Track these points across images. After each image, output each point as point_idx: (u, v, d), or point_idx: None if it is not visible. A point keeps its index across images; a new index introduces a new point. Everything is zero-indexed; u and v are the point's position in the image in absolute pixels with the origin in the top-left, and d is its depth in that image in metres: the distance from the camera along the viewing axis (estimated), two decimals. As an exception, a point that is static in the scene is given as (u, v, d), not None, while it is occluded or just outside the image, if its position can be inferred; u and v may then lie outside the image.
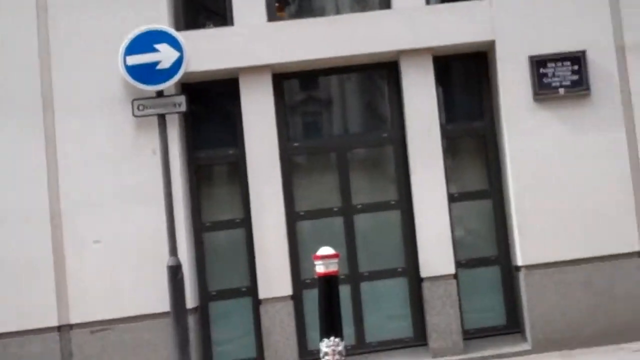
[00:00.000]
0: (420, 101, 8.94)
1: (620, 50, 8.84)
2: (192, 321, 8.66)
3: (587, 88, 8.70)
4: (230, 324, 9.15)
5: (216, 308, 9.19)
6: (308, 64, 9.10)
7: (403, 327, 9.10)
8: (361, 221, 9.17)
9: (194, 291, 8.93)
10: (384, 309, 9.14)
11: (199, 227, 9.22)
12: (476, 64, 9.27)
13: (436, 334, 8.77)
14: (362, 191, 9.23)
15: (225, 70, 9.03)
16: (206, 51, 8.92)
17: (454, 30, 8.87)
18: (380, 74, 9.46)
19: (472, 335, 9.01)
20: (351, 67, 9.34)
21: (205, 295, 9.21)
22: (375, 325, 9.11)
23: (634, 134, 8.77)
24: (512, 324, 9.06)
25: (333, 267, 7.40)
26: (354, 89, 9.64)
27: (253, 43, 8.95)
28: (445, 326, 8.73)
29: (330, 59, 8.97)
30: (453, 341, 8.73)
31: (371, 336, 9.14)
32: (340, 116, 9.65)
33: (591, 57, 8.78)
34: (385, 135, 9.34)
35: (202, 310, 9.16)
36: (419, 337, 9.08)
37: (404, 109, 9.07)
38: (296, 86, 9.62)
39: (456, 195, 9.15)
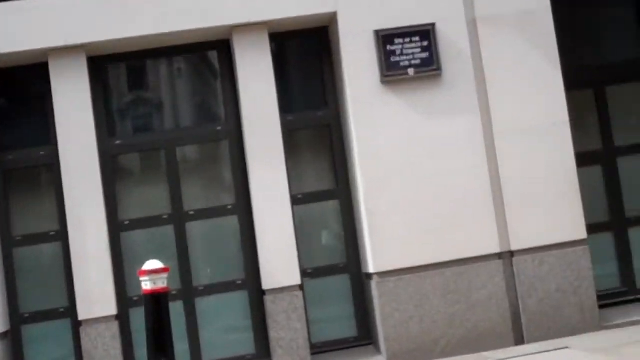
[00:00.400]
0: (257, 87, 8.55)
1: (472, 24, 8.66)
2: (1, 347, 8.12)
3: (438, 68, 8.46)
4: (46, 349, 8.59)
5: (30, 332, 8.61)
6: (129, 43, 8.55)
7: (244, 344, 8.73)
8: (194, 229, 8.77)
9: (3, 314, 8.36)
10: (222, 325, 8.76)
11: (9, 242, 8.65)
12: (318, 41, 8.95)
13: (281, 349, 8.44)
14: (195, 195, 8.83)
15: (32, 52, 8.38)
16: (7, 29, 8.26)
17: (291, 1, 8.48)
18: (212, 56, 9.01)
19: (321, 349, 8.72)
20: (179, 47, 8.86)
21: (17, 318, 8.61)
22: (213, 343, 8.70)
23: (489, 118, 8.57)
24: (364, 336, 8.82)
25: (162, 283, 6.96)
26: (183, 73, 9.18)
27: (62, 19, 8.32)
28: (291, 341, 8.43)
29: (153, 37, 8.48)
30: (300, 356, 8.43)
31: (209, 355, 8.71)
32: (169, 107, 9.18)
33: (441, 32, 8.55)
34: (219, 128, 8.90)
35: (14, 335, 8.56)
36: (263, 354, 8.70)
37: (239, 96, 8.65)
38: (118, 72, 9.05)
39: (300, 196, 8.84)
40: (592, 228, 8.84)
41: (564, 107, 8.65)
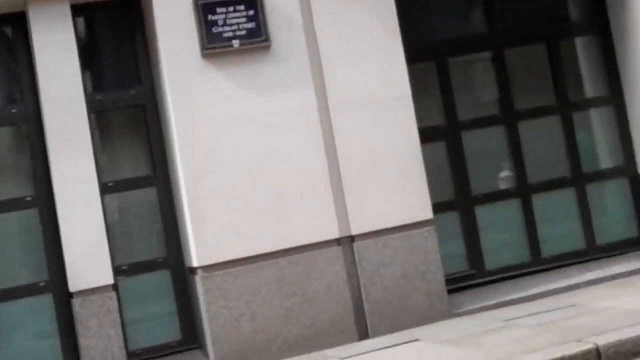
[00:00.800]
0: (58, 65, 7.90)
1: (304, -8, 8.39)
2: None
3: (267, 39, 8.15)
4: None
5: None
6: None
7: (50, 354, 8.04)
8: (-16, 225, 8.10)
9: None
10: (25, 334, 8.05)
11: None
12: (129, 13, 8.38)
13: (93, 360, 7.86)
14: (-14, 186, 8.17)
15: None
16: None
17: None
18: (6, 31, 8.33)
19: (140, 357, 8.14)
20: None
21: None
22: (14, 355, 7.97)
23: (325, 94, 8.30)
24: (190, 339, 8.27)
25: None
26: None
27: None
28: (105, 349, 7.79)
29: None
30: (116, 367, 7.90)
31: (7, 370, 8.07)
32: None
33: (270, 0, 8.23)
34: (14, 110, 8.20)
35: None
36: (72, 366, 8.11)
37: (37, 75, 8.02)
38: None
39: (111, 184, 8.23)
40: (437, 207, 8.65)
41: (406, 79, 8.51)
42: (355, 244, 8.22)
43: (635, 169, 9.56)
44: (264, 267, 7.98)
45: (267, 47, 8.15)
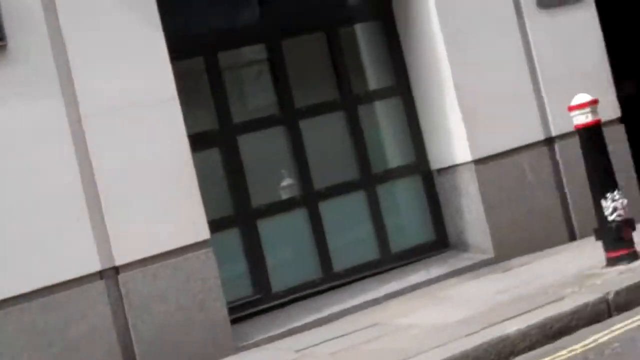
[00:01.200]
0: None
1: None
2: None
3: (2, 38, 7.38)
4: None
5: None
6: None
7: None
8: None
9: None
10: None
11: None
12: None
13: None
14: None
15: None
16: None
17: None
18: None
19: None
20: None
21: None
22: None
23: (75, 100, 7.55)
24: None
25: None
26: None
27: None
28: None
29: None
30: None
31: None
32: None
33: None
34: None
35: None
36: None
37: None
38: None
39: None
40: (214, 225, 8.06)
41: (171, 79, 7.90)
42: (120, 277, 7.50)
43: (428, 165, 9.28)
44: (11, 314, 7.10)
45: (2, 48, 7.39)
